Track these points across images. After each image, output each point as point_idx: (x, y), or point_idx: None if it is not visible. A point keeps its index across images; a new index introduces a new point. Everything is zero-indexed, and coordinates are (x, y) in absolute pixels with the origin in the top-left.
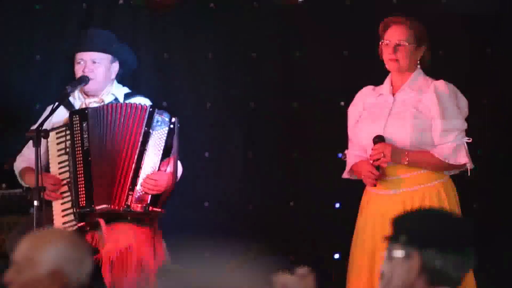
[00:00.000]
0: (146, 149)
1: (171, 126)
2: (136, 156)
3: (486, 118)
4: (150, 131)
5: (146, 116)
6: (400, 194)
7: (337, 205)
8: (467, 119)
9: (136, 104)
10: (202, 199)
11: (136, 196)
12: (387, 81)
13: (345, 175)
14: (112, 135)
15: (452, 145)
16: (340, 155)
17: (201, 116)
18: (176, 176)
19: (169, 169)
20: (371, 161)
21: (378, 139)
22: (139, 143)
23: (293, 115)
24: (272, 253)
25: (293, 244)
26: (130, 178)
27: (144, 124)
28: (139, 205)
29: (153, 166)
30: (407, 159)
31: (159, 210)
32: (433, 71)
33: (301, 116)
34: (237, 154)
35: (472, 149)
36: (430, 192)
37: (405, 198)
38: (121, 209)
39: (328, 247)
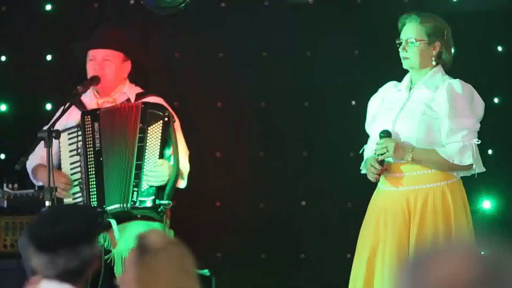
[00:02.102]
0: (145, 145)
1: (166, 119)
2: (136, 153)
3: (498, 117)
4: (146, 126)
5: (140, 113)
6: (405, 192)
7: (349, 204)
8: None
9: (129, 103)
10: (214, 199)
11: (142, 192)
12: (406, 78)
13: (363, 169)
14: (119, 134)
15: (458, 145)
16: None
17: (212, 116)
18: (178, 167)
19: (170, 160)
20: (376, 156)
21: (384, 134)
22: (137, 140)
23: (304, 114)
24: (284, 252)
25: (305, 243)
26: (133, 175)
27: (139, 121)
28: (147, 200)
29: (154, 160)
30: (411, 156)
31: (167, 202)
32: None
33: (312, 116)
34: (248, 154)
35: (482, 148)
36: (434, 192)
37: (409, 196)
38: (129, 207)
39: (340, 247)
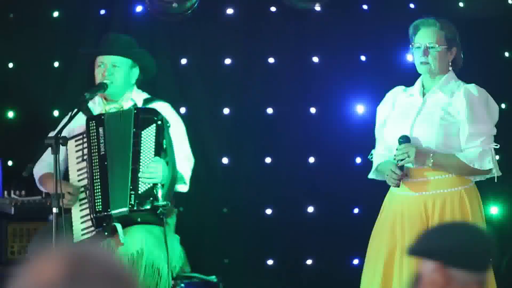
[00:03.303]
0: (139, 149)
1: (159, 123)
2: (131, 157)
3: (505, 123)
4: (139, 131)
5: (133, 118)
6: (423, 196)
7: (356, 210)
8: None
9: (122, 110)
10: (221, 205)
11: (140, 195)
12: (418, 82)
13: (371, 175)
14: (120, 139)
15: (478, 150)
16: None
17: (219, 122)
18: (175, 169)
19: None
20: (396, 161)
21: (404, 140)
22: (132, 145)
23: (311, 120)
24: (290, 258)
25: (312, 249)
26: (130, 179)
27: (132, 126)
28: (145, 202)
29: (149, 163)
30: (432, 161)
31: (165, 203)
32: None
33: (319, 122)
34: (255, 160)
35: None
36: (452, 197)
37: (427, 200)
38: (128, 210)
39: (347, 253)
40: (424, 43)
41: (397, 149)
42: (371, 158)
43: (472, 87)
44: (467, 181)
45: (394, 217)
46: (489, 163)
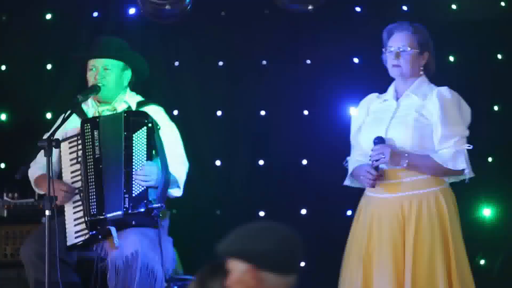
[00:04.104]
0: (131, 152)
1: (149, 125)
2: (124, 160)
3: (498, 125)
4: (131, 134)
5: (123, 121)
6: (399, 197)
7: (349, 212)
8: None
9: (116, 112)
10: (214, 207)
11: (133, 198)
12: (391, 88)
13: (346, 181)
14: (115, 142)
15: (451, 151)
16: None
17: (212, 124)
18: (168, 171)
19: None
20: (371, 162)
21: (378, 140)
22: (124, 148)
23: (304, 122)
24: None
25: (305, 252)
26: (123, 182)
27: (123, 129)
28: (138, 205)
29: (142, 165)
30: (406, 161)
31: (159, 205)
32: (444, 77)
33: (311, 124)
34: (247, 162)
35: (483, 156)
36: (428, 198)
37: (403, 202)
38: (122, 213)
39: (341, 255)
40: (396, 46)
41: (372, 150)
42: (346, 165)
43: (445, 90)
44: (442, 181)
45: (371, 220)
46: (462, 163)
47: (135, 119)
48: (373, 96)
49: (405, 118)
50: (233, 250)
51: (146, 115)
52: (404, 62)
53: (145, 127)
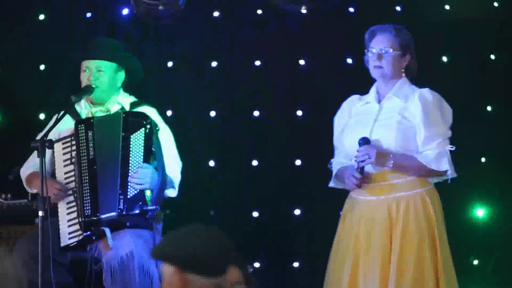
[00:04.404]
0: (128, 153)
1: (148, 126)
2: (120, 161)
3: (491, 125)
4: (128, 135)
5: (121, 122)
6: (386, 200)
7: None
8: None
9: (118, 112)
10: (208, 208)
11: (129, 199)
12: (372, 90)
13: (331, 183)
14: (110, 143)
15: (434, 152)
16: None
17: (206, 125)
18: (164, 173)
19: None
20: (356, 163)
21: (364, 141)
22: (121, 148)
23: (298, 123)
24: (277, 261)
25: (299, 251)
26: (119, 183)
27: (121, 130)
28: (134, 207)
29: (138, 167)
30: (392, 162)
31: (153, 208)
32: (437, 77)
33: (305, 124)
34: (242, 162)
35: (476, 156)
36: (415, 199)
37: (390, 204)
38: (117, 214)
39: None
40: (378, 47)
41: (357, 151)
42: (330, 167)
43: (426, 92)
44: (427, 182)
45: (357, 223)
46: (445, 164)
47: (134, 120)
48: (354, 98)
49: (388, 120)
50: (161, 254)
51: (145, 116)
52: (385, 64)
53: (143, 128)
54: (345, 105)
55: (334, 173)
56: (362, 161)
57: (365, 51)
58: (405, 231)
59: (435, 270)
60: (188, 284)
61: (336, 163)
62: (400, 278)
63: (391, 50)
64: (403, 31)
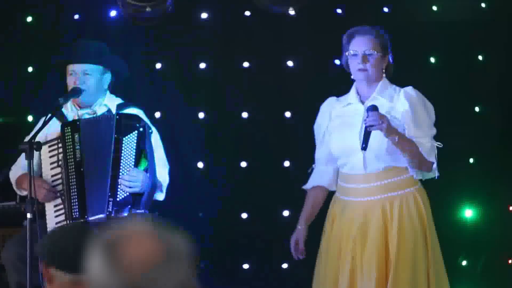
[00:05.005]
0: (120, 155)
1: (141, 129)
2: (111, 163)
3: (479, 126)
4: (121, 137)
5: (114, 123)
6: (379, 200)
7: None
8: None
9: (105, 114)
10: (197, 210)
11: (118, 202)
12: (353, 91)
13: (305, 186)
14: (98, 145)
15: (428, 144)
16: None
17: (194, 126)
18: (155, 177)
19: (144, 169)
20: (364, 127)
21: (373, 108)
22: (113, 150)
23: (286, 124)
24: (267, 262)
25: (288, 253)
26: (108, 185)
27: (114, 131)
28: (123, 209)
29: (129, 170)
30: (398, 136)
31: (142, 212)
32: (425, 78)
33: (294, 126)
34: (230, 164)
35: (464, 157)
36: (407, 198)
37: (384, 203)
38: (106, 217)
39: None
40: (361, 50)
41: (368, 116)
42: (310, 171)
43: (411, 90)
44: (416, 182)
45: (351, 226)
46: (435, 157)
47: (126, 122)
48: (332, 100)
49: None
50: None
51: (138, 119)
52: (370, 66)
53: (136, 131)
54: (324, 107)
55: (310, 184)
56: (371, 126)
57: (345, 53)
58: (400, 230)
59: (427, 268)
60: (52, 278)
61: (317, 172)
62: (397, 278)
63: (376, 53)
64: (382, 32)
